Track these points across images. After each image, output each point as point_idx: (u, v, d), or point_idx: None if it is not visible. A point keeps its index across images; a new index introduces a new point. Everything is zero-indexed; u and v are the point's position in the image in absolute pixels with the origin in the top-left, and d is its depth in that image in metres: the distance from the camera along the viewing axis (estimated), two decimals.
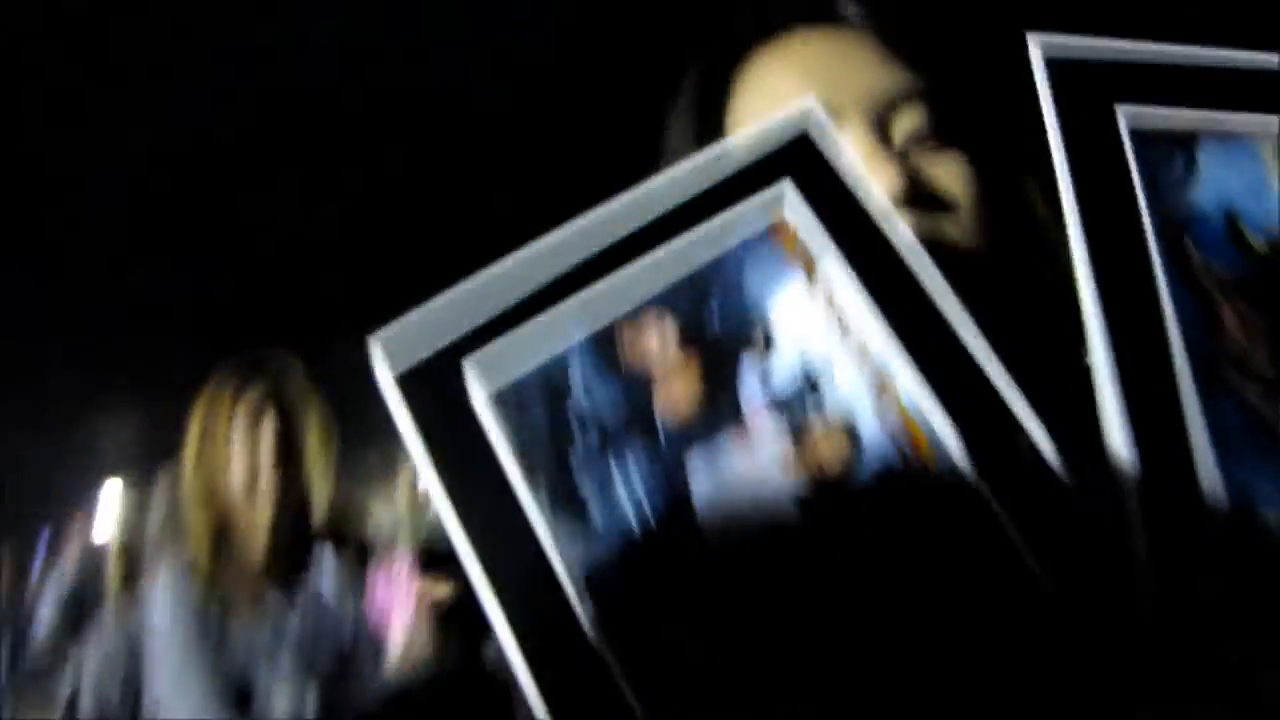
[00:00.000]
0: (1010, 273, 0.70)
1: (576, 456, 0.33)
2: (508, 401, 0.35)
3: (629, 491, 0.33)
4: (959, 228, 0.66)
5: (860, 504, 0.32)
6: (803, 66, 0.68)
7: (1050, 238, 0.73)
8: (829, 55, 0.68)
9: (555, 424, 0.34)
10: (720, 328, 0.35)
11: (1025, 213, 0.73)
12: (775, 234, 0.37)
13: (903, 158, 0.66)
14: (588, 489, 0.33)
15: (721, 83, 0.71)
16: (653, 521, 0.32)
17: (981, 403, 0.36)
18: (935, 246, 0.60)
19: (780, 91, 0.68)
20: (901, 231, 0.39)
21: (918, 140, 0.67)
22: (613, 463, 0.33)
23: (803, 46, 0.69)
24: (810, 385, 0.34)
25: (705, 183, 0.38)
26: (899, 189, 0.63)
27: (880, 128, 0.66)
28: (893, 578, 0.32)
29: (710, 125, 0.70)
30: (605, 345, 0.35)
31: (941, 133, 0.68)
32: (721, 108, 0.70)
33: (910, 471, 0.33)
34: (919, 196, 0.65)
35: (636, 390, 0.34)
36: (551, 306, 0.35)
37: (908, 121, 0.67)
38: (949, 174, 0.67)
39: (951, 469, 0.33)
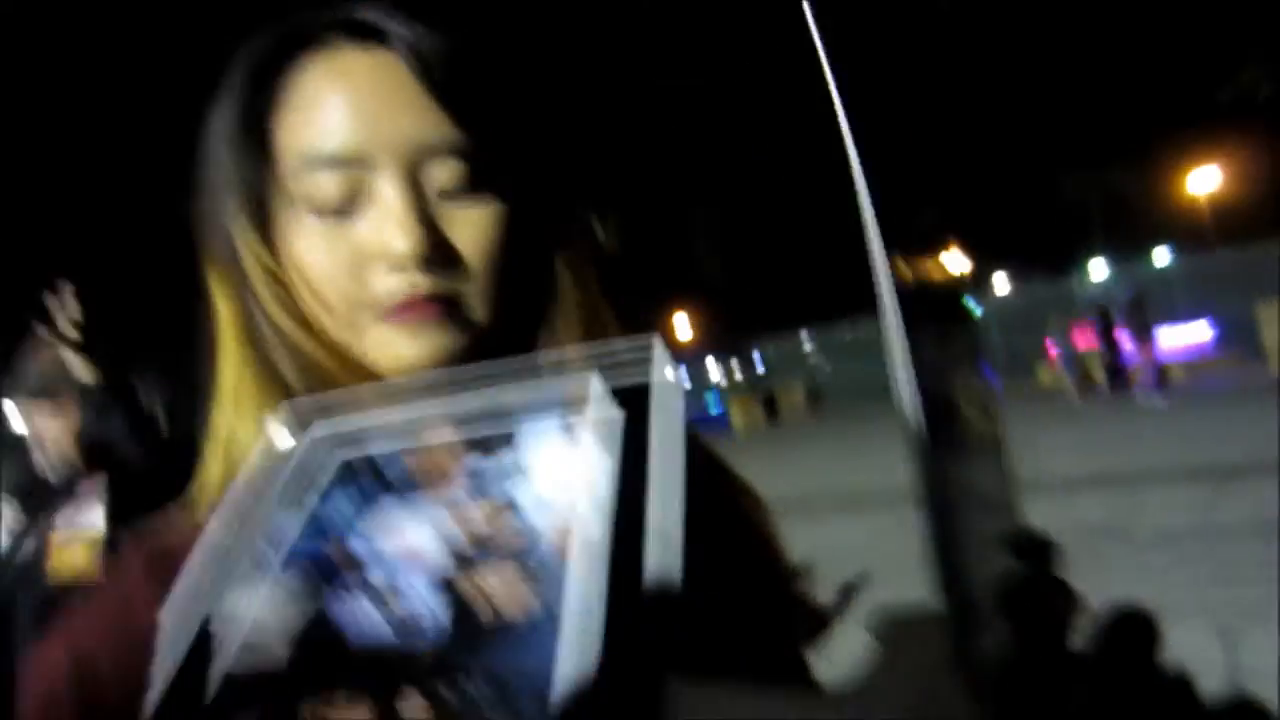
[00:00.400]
0: (521, 341, 0.71)
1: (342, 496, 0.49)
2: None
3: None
4: (475, 290, 0.66)
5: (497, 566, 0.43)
6: (349, 89, 0.66)
7: (584, 298, 0.74)
8: (375, 84, 0.66)
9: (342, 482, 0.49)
10: (487, 452, 0.48)
11: (552, 278, 0.73)
12: (570, 408, 0.47)
13: (427, 216, 0.65)
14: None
15: (267, 85, 0.68)
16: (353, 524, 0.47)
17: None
18: (452, 309, 0.67)
19: (326, 108, 0.66)
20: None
21: (448, 196, 0.66)
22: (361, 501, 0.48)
23: (352, 66, 0.66)
24: (515, 473, 0.46)
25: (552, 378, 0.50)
26: (417, 251, 0.63)
27: (413, 178, 0.65)
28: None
29: (250, 128, 0.68)
30: (412, 455, 0.49)
31: (473, 189, 0.67)
32: (265, 111, 0.68)
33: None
34: (435, 259, 0.64)
35: (408, 464, 0.48)
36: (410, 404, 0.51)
37: (441, 174, 0.66)
38: (472, 235, 0.67)
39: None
